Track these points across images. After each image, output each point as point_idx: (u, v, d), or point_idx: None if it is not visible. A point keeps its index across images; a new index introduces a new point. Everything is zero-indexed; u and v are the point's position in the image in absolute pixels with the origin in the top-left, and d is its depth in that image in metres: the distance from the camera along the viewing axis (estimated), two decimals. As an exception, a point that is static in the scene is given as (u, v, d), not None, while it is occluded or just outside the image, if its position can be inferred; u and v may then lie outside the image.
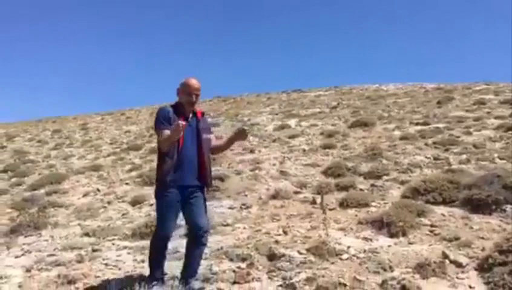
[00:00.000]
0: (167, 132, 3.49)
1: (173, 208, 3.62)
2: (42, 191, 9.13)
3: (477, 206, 5.51)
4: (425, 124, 12.71)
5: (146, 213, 6.69)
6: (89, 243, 5.43)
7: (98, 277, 4.29)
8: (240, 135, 3.75)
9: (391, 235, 4.89)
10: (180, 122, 3.33)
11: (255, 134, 13.54)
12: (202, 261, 4.35)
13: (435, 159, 8.77)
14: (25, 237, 5.99)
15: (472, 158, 8.49)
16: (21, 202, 8.04)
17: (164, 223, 3.65)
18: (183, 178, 3.61)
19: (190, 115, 3.74)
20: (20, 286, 4.13)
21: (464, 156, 8.69)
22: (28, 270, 4.58)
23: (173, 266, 4.35)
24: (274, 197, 6.77)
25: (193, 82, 3.68)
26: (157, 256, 3.76)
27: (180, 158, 3.58)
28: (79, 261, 4.77)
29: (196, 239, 3.72)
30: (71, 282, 4.14)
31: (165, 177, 3.57)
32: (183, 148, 3.59)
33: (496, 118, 12.52)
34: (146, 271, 4.26)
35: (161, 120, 3.58)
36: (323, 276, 3.88)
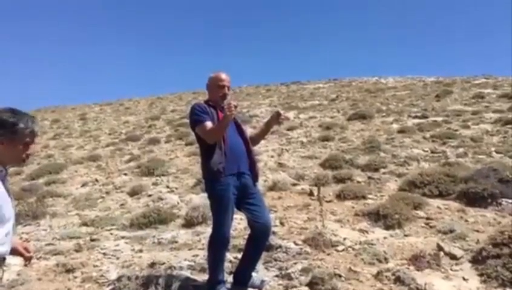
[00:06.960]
0: (209, 124, 3.37)
1: (230, 205, 3.40)
2: (41, 181, 9.16)
3: (473, 199, 5.56)
4: (423, 117, 12.74)
5: (144, 203, 6.72)
6: (88, 233, 5.46)
7: (97, 266, 4.33)
8: (276, 119, 3.59)
9: (387, 228, 4.94)
10: (232, 102, 3.26)
11: (254, 126, 13.54)
12: (199, 251, 4.42)
13: (432, 152, 8.81)
14: (24, 226, 6.02)
15: (470, 152, 8.54)
16: (20, 192, 8.06)
17: (223, 224, 3.41)
18: (237, 165, 3.44)
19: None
20: (19, 274, 4.15)
21: (461, 150, 8.74)
22: (26, 259, 4.60)
23: (171, 256, 4.42)
24: (272, 188, 6.79)
25: (223, 75, 3.58)
26: (216, 260, 3.52)
27: (229, 147, 3.41)
28: (77, 251, 4.81)
29: (266, 237, 3.64)
30: (69, 271, 4.18)
31: (218, 167, 3.34)
32: (229, 138, 3.44)
33: (494, 112, 12.57)
34: (144, 261, 4.32)
35: (200, 114, 3.44)
36: (319, 267, 3.91)
